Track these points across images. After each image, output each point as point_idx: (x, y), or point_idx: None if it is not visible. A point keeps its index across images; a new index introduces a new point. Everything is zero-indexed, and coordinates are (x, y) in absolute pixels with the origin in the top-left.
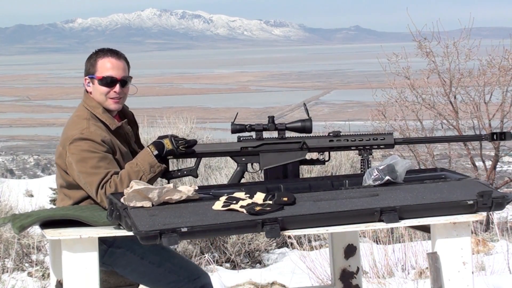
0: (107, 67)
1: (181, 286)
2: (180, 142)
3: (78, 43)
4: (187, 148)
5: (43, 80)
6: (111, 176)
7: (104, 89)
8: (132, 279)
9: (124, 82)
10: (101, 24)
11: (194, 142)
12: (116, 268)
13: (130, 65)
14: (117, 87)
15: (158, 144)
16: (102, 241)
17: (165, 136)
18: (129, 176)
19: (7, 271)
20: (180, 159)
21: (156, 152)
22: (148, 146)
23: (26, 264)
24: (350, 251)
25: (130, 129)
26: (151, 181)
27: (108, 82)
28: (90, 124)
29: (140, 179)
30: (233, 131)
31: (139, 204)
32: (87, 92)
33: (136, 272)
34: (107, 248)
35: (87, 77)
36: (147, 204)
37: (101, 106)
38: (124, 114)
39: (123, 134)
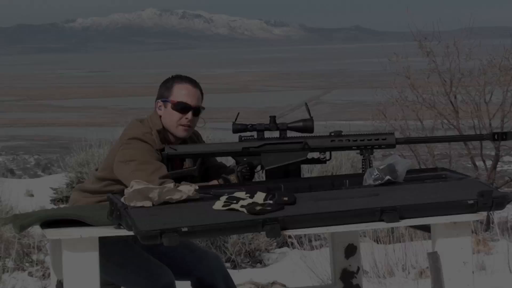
0: (183, 93)
1: (142, 286)
2: (244, 171)
3: (78, 43)
4: (250, 175)
5: (43, 80)
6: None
7: (177, 114)
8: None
9: (197, 110)
10: (101, 24)
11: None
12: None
13: (203, 96)
14: (189, 114)
15: (225, 179)
16: None
17: (232, 171)
18: None
19: (7, 271)
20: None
21: None
22: (218, 180)
23: (27, 264)
24: (351, 250)
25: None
26: None
27: (182, 108)
28: (152, 133)
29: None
30: (234, 131)
31: (139, 203)
32: (156, 113)
33: (106, 273)
34: None
35: (159, 101)
36: (148, 203)
37: (161, 126)
38: (185, 141)
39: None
